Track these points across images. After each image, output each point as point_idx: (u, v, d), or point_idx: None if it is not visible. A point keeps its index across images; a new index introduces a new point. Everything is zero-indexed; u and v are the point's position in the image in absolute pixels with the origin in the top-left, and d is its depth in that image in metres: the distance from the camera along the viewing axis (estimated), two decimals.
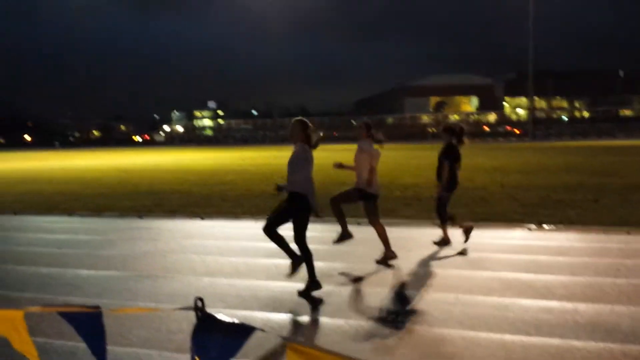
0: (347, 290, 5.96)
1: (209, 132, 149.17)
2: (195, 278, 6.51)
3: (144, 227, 10.47)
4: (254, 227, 10.14)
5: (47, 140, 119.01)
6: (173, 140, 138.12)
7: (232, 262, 7.36)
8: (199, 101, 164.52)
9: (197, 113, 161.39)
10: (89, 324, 1.84)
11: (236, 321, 1.43)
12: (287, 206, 5.89)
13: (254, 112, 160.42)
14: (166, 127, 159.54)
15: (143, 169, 29.57)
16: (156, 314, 5.05)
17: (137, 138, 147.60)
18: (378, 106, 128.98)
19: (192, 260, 7.48)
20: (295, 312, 5.26)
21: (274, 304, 5.48)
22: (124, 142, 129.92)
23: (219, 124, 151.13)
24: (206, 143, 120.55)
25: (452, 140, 8.01)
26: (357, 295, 5.80)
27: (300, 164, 5.94)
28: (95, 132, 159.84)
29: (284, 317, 5.13)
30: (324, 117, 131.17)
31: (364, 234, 8.13)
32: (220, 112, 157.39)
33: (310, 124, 6.21)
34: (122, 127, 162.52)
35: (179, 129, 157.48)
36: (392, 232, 9.15)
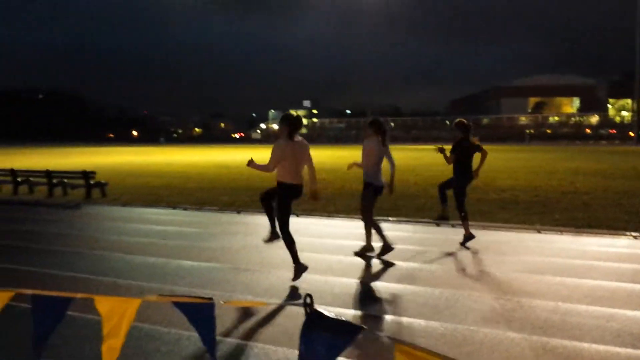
0: (440, 292, 5.87)
1: (303, 131, 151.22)
2: (290, 273, 6.63)
3: (241, 222, 10.81)
4: (347, 226, 10.24)
5: (153, 136, 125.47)
6: (269, 138, 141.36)
7: (326, 259, 7.45)
8: (294, 100, 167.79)
9: (293, 112, 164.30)
10: (202, 315, 1.92)
11: (345, 319, 1.46)
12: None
13: (347, 111, 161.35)
14: (262, 125, 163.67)
15: (241, 166, 30.43)
16: (262, 307, 5.21)
17: (235, 135, 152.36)
18: (474, 106, 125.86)
19: (287, 256, 7.62)
20: (388, 312, 5.25)
21: (368, 303, 5.50)
22: (223, 139, 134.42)
23: (312, 122, 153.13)
24: None
25: (463, 135, 8.20)
26: (450, 298, 5.69)
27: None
28: (197, 129, 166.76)
29: (378, 317, 5.13)
30: (417, 117, 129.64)
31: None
32: (314, 111, 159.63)
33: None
34: (222, 125, 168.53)
35: (275, 126, 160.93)
36: (488, 236, 8.97)
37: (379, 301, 5.57)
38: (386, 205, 12.73)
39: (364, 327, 1.44)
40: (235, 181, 19.86)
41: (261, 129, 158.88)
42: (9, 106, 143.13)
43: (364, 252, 7.41)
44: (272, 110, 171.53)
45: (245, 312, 5.09)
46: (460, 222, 8.43)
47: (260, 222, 10.66)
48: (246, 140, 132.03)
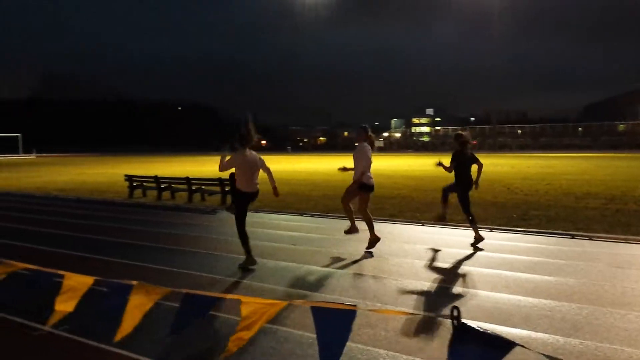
0: (579, 308, 5.52)
1: (425, 139, 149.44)
2: (419, 283, 6.59)
3: (365, 229, 10.85)
4: (461, 234, 9.95)
5: (281, 144, 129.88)
6: (391, 146, 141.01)
7: (455, 269, 7.30)
8: (417, 108, 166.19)
9: (415, 120, 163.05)
10: (339, 321, 1.94)
11: (495, 334, 1.43)
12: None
13: (472, 119, 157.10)
14: (385, 134, 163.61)
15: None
16: (399, 316, 5.23)
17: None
18: (611, 111, 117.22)
19: (414, 265, 7.59)
20: (523, 327, 5.03)
21: (499, 316, 5.32)
22: (347, 147, 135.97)
23: (435, 130, 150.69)
24: (423, 149, 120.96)
25: (460, 147, 9.07)
26: (589, 314, 5.34)
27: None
28: (321, 138, 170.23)
29: (512, 331, 4.94)
30: (546, 124, 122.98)
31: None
32: (437, 119, 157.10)
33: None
34: (345, 134, 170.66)
35: (397, 135, 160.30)
36: (629, 249, 8.34)
37: (511, 315, 5.36)
38: (516, 215, 12.24)
39: (516, 343, 1.40)
40: None
41: (383, 137, 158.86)
42: (152, 117, 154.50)
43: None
44: (395, 119, 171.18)
45: (389, 321, 5.11)
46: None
47: (385, 230, 10.69)
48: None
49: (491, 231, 10.54)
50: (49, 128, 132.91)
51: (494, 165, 38.65)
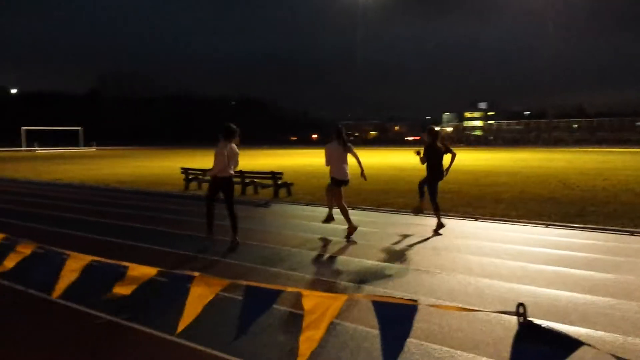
0: (626, 305, 5.35)
1: (478, 133, 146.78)
2: (473, 278, 6.51)
3: (418, 224, 10.80)
4: (531, 232, 9.75)
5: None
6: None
7: (509, 265, 7.18)
8: (470, 102, 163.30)
9: (467, 114, 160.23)
10: (400, 316, 1.95)
11: (562, 332, 1.40)
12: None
13: (526, 113, 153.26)
14: (436, 128, 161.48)
15: (415, 168, 30.39)
16: (458, 313, 5.19)
17: (409, 138, 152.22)
18: None
19: (468, 260, 7.50)
20: (580, 324, 4.90)
21: (557, 313, 5.20)
22: (397, 141, 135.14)
23: (488, 124, 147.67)
24: (475, 143, 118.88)
25: (432, 140, 9.93)
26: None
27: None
28: (372, 132, 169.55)
29: (570, 329, 4.83)
30: (603, 118, 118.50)
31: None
32: (490, 113, 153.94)
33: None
34: (396, 128, 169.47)
35: (448, 129, 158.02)
36: None
37: (569, 313, 5.23)
38: (573, 211, 11.91)
39: (583, 342, 1.37)
40: (411, 183, 19.85)
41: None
42: (205, 112, 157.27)
43: (328, 221, 10.02)
44: (447, 113, 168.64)
45: (429, 312, 5.08)
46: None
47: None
48: (420, 143, 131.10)
49: (547, 227, 10.29)
50: (109, 122, 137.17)
51: (549, 160, 37.65)
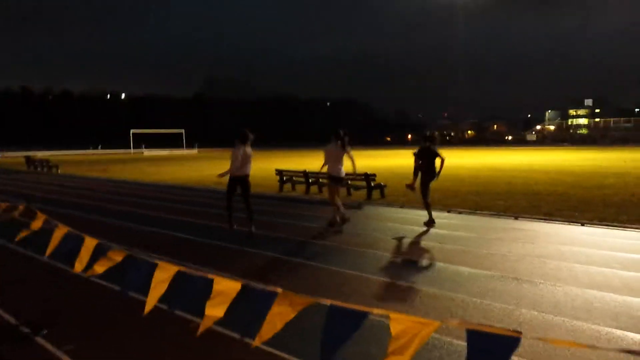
0: None
1: (583, 131, 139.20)
2: (580, 290, 6.04)
3: (519, 229, 10.26)
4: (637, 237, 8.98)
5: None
6: (544, 140, 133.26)
7: (621, 276, 6.61)
8: (575, 99, 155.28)
9: (572, 112, 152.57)
10: (497, 348, 1.71)
11: None
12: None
13: (637, 110, 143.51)
14: (538, 126, 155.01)
15: (516, 169, 29.20)
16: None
17: (509, 137, 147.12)
18: None
19: (574, 269, 6.99)
20: None
21: None
22: (496, 141, 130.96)
23: (594, 122, 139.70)
24: (580, 142, 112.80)
25: (425, 144, 10.67)
26: None
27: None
28: (470, 132, 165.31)
29: None
30: None
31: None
32: (597, 110, 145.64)
33: None
34: (495, 127, 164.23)
35: (551, 127, 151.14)
36: None
37: None
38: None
39: None
40: (511, 185, 19.04)
41: (536, 130, 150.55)
42: (302, 113, 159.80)
43: (332, 224, 10.65)
44: (550, 111, 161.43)
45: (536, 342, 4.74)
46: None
47: (541, 230, 10.01)
48: (521, 143, 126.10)
49: None
50: (212, 124, 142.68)
51: None
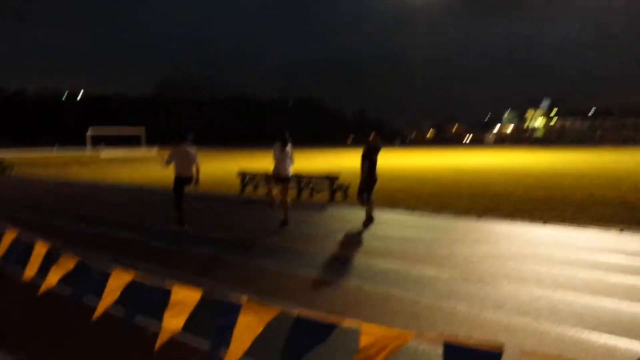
0: None
1: (540, 133, 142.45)
2: (543, 291, 6.04)
3: (482, 230, 10.31)
4: (605, 238, 9.11)
5: (388, 139, 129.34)
6: (503, 141, 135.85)
7: (583, 276, 6.65)
8: (531, 101, 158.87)
9: (529, 113, 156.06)
10: None
11: None
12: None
13: (592, 109, 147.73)
14: (496, 128, 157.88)
15: (476, 169, 29.58)
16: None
17: (467, 138, 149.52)
18: None
19: (536, 270, 7.01)
20: None
21: None
22: (455, 141, 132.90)
23: (550, 124, 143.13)
24: (537, 143, 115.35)
25: (374, 146, 11.30)
26: None
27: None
28: (429, 133, 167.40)
29: None
30: None
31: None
32: (553, 112, 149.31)
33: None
34: (454, 128, 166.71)
35: (508, 129, 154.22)
36: None
37: None
38: None
39: None
40: (472, 186, 19.23)
41: (494, 132, 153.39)
42: (263, 114, 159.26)
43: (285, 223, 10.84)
44: (507, 112, 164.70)
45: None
46: None
47: (502, 230, 10.07)
48: (479, 143, 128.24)
49: (621, 232, 9.62)
50: (172, 124, 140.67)
51: (618, 162, 35.95)
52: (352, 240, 9.31)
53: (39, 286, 3.31)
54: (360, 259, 7.78)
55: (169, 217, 11.26)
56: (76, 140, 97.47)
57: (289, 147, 10.68)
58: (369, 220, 11.09)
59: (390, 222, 11.29)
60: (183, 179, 10.31)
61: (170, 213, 11.09)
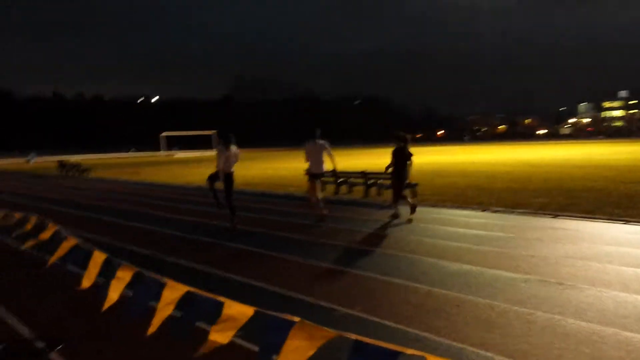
0: None
1: (618, 124, 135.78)
2: (631, 296, 5.59)
3: (559, 228, 9.77)
4: None
5: (457, 134, 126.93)
6: (579, 133, 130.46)
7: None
8: (608, 91, 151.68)
9: (606, 104, 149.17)
10: None
11: None
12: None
13: None
14: (572, 120, 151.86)
15: (550, 164, 28.43)
16: None
17: (541, 131, 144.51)
18: None
19: (621, 273, 6.52)
20: None
21: None
22: (527, 135, 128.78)
23: (631, 114, 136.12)
24: (616, 135, 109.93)
25: (400, 144, 11.21)
26: None
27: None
28: (500, 127, 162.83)
29: None
30: None
31: None
32: (632, 102, 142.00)
33: None
34: (526, 121, 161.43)
35: (585, 120, 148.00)
36: None
37: None
38: None
39: None
40: (547, 181, 18.42)
41: (570, 124, 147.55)
42: (331, 112, 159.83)
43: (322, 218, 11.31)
44: (582, 104, 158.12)
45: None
46: None
47: (582, 229, 9.51)
48: (554, 137, 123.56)
49: None
50: (241, 125, 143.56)
51: None
52: (419, 240, 9.01)
53: (95, 293, 3.30)
54: (429, 260, 7.49)
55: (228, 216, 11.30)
56: (150, 143, 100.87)
57: (320, 145, 11.16)
58: (413, 209, 11.42)
59: (461, 220, 10.91)
60: (223, 175, 11.14)
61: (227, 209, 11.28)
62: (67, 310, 5.65)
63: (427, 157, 41.17)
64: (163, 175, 31.12)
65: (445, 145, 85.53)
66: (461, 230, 9.85)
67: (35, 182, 29.69)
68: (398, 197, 11.32)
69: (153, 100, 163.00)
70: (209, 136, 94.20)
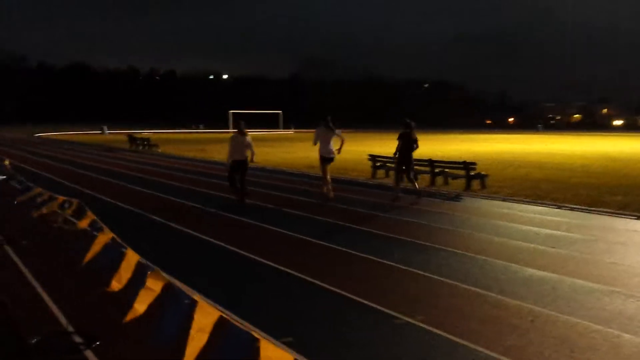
0: None
1: None
2: None
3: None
4: None
5: (530, 122, 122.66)
6: None
7: None
8: None
9: None
10: None
11: None
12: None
13: None
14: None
15: (631, 158, 26.70)
16: None
17: (617, 122, 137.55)
18: None
19: None
20: None
21: None
22: (604, 126, 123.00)
23: None
24: None
25: (406, 130, 11.99)
26: None
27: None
28: (576, 116, 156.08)
29: None
30: None
31: None
32: None
33: None
34: (604, 111, 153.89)
35: None
36: None
37: None
38: None
39: None
40: (627, 177, 17.17)
41: None
42: (399, 96, 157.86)
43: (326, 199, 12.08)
44: None
45: None
46: None
47: None
48: (633, 128, 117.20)
49: None
50: (307, 105, 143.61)
51: None
52: (489, 239, 8.37)
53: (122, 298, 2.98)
54: (498, 263, 6.87)
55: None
56: (219, 120, 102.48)
57: (330, 130, 11.79)
58: (417, 194, 12.21)
59: (535, 218, 10.16)
60: (237, 162, 11.63)
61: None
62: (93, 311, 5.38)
63: (499, 146, 39.66)
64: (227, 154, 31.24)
65: (518, 133, 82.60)
66: (535, 228, 9.11)
67: (104, 155, 30.42)
68: (400, 180, 12.28)
69: (224, 76, 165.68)
70: (275, 115, 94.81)
